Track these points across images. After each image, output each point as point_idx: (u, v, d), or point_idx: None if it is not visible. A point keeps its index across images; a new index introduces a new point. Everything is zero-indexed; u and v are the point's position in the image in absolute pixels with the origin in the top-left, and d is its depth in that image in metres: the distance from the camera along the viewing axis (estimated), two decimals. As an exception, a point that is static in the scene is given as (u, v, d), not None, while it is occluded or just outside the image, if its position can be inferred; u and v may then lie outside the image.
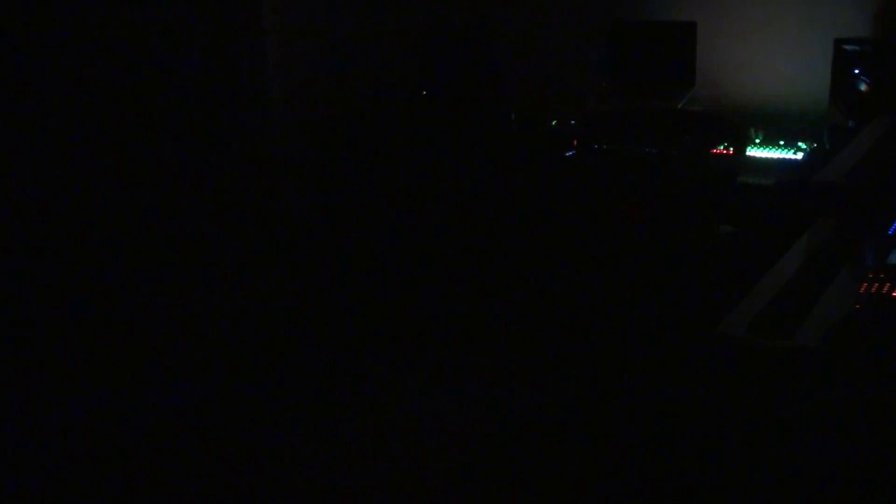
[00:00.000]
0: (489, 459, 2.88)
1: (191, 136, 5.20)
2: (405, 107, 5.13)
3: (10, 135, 4.53)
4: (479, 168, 4.59)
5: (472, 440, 2.99)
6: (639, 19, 4.71)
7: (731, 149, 3.95)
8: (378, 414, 3.15)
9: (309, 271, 4.27)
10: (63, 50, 4.80)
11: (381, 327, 3.76)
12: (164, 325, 3.73)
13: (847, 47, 4.00)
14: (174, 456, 2.90)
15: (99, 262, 4.18)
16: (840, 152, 3.20)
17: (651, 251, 3.79)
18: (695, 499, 2.45)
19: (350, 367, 3.47)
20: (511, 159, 4.63)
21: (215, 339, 3.63)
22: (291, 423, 3.07)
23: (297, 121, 5.47)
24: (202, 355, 3.50)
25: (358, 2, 5.39)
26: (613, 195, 4.07)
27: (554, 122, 4.69)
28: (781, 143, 4.18)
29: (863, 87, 3.96)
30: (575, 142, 4.30)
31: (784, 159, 4.12)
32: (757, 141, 4.22)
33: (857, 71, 3.97)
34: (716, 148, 3.97)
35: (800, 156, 4.11)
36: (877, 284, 2.33)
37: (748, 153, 4.15)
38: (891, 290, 2.31)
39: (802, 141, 4.17)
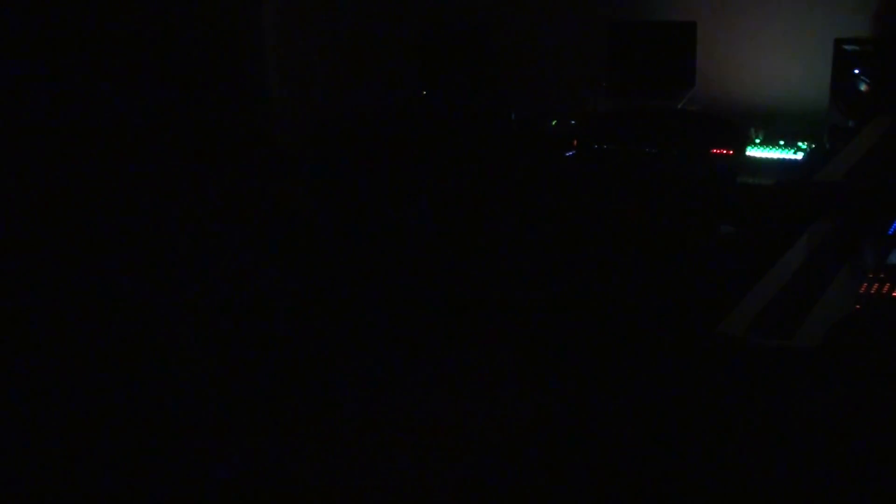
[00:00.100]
0: (489, 460, 2.88)
1: (190, 136, 5.20)
2: (405, 107, 5.13)
3: (9, 134, 4.53)
4: (479, 168, 4.59)
5: (472, 440, 2.98)
6: (638, 19, 4.71)
7: (731, 149, 3.95)
8: (377, 414, 3.15)
9: (309, 271, 4.27)
10: (63, 49, 4.80)
11: (381, 327, 3.76)
12: (163, 324, 3.72)
13: (847, 47, 4.00)
14: (174, 456, 2.90)
15: (98, 262, 4.18)
16: (840, 152, 3.21)
17: (651, 251, 3.79)
18: (695, 499, 2.44)
19: (349, 367, 3.47)
20: (511, 159, 4.63)
21: (215, 339, 3.63)
22: (291, 424, 3.07)
23: (297, 121, 5.47)
24: (201, 355, 3.50)
25: (358, 2, 5.39)
26: (613, 195, 4.06)
27: (554, 122, 4.69)
28: (781, 143, 4.18)
29: (863, 87, 3.96)
30: (575, 142, 4.30)
31: (784, 159, 4.12)
32: (757, 141, 4.22)
33: (857, 71, 3.97)
34: (716, 148, 3.97)
35: (800, 156, 4.11)
36: (877, 284, 2.33)
37: (748, 153, 4.15)
38: (891, 290, 2.31)
39: (802, 141, 4.16)
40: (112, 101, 4.93)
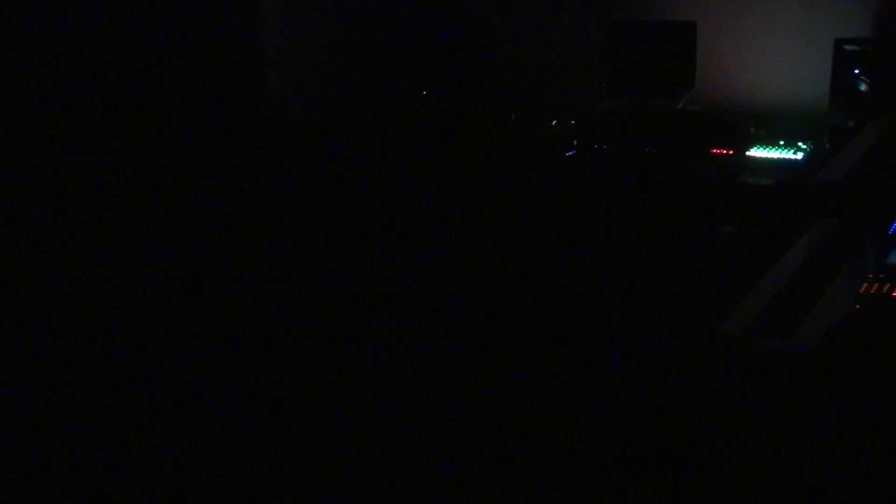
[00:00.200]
0: (488, 459, 2.88)
1: (190, 136, 5.20)
2: (405, 107, 5.13)
3: (8, 135, 4.53)
4: (479, 168, 4.58)
5: (471, 440, 2.98)
6: (639, 19, 4.71)
7: (731, 149, 3.95)
8: (377, 414, 3.15)
9: (308, 271, 4.27)
10: (63, 48, 4.80)
11: (381, 327, 3.76)
12: (162, 324, 3.72)
13: (847, 47, 4.00)
14: (173, 456, 2.90)
15: (98, 262, 4.17)
16: (840, 152, 3.20)
17: (651, 251, 3.79)
18: (695, 499, 2.44)
19: (349, 366, 3.47)
20: (511, 159, 4.63)
21: (214, 339, 3.63)
22: (290, 424, 3.07)
23: (297, 121, 5.47)
24: (200, 354, 3.50)
25: (358, 2, 5.39)
26: (613, 195, 4.06)
27: (554, 122, 4.68)
28: (781, 143, 4.18)
29: (863, 87, 3.97)
30: (575, 142, 4.30)
31: (784, 159, 4.12)
32: (757, 141, 4.22)
33: (857, 71, 3.97)
34: (716, 148, 3.97)
35: (800, 156, 4.11)
36: (877, 284, 2.33)
37: (748, 153, 4.15)
38: (891, 290, 2.31)
39: (802, 141, 4.16)
40: (110, 101, 4.92)
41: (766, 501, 2.11)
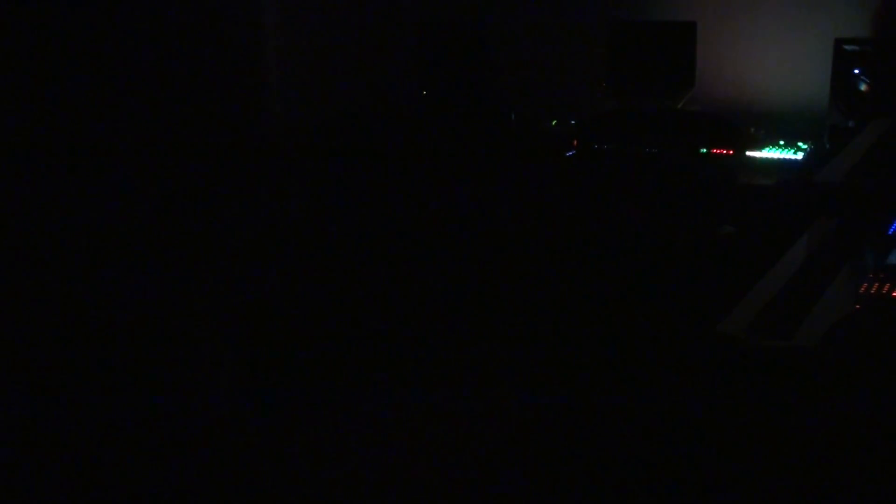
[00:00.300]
0: (488, 459, 2.88)
1: (190, 136, 5.20)
2: (405, 107, 5.13)
3: (8, 135, 4.53)
4: (479, 168, 4.58)
5: (471, 440, 2.98)
6: (638, 19, 4.70)
7: (731, 149, 3.95)
8: (377, 413, 3.15)
9: (308, 271, 4.27)
10: (63, 48, 4.80)
11: (380, 326, 3.76)
12: (161, 324, 3.72)
13: (847, 47, 4.00)
14: (172, 455, 2.90)
15: (97, 262, 4.18)
16: (840, 152, 3.21)
17: (651, 251, 3.79)
18: (695, 499, 2.44)
19: (348, 367, 3.47)
20: (511, 159, 4.63)
21: (215, 339, 3.63)
22: (290, 424, 3.07)
23: (297, 121, 5.47)
24: (199, 354, 3.50)
25: (358, 2, 5.38)
26: (613, 195, 4.06)
27: (554, 122, 4.68)
28: (781, 143, 4.18)
29: (863, 87, 3.97)
30: (575, 142, 4.30)
31: (784, 159, 4.12)
32: (757, 141, 4.22)
33: (857, 71, 3.97)
34: (716, 148, 3.97)
35: (800, 156, 4.11)
36: (877, 284, 2.33)
37: (748, 153, 4.15)
38: (891, 290, 2.31)
39: (802, 141, 4.16)
40: (110, 100, 4.92)
41: (767, 501, 2.11)
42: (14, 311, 3.79)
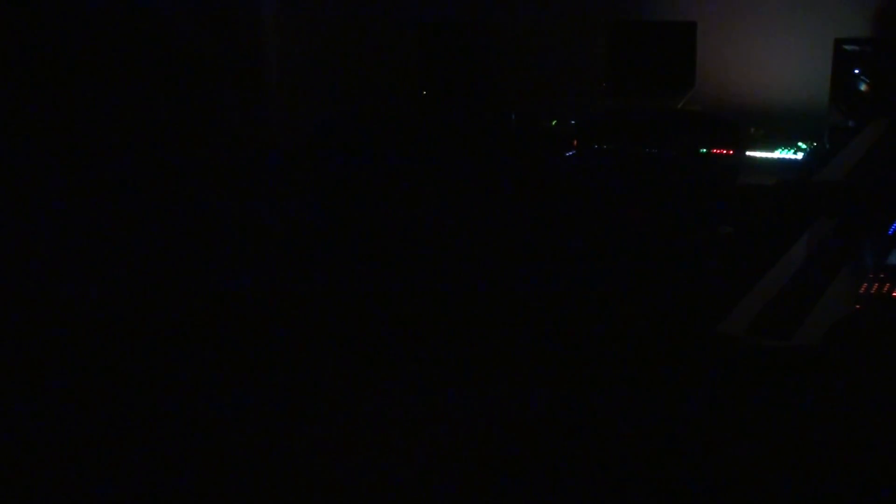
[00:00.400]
0: (487, 460, 2.88)
1: (190, 136, 5.20)
2: (405, 107, 5.13)
3: (9, 136, 4.53)
4: (479, 168, 4.58)
5: (471, 441, 2.98)
6: (639, 19, 4.70)
7: (731, 149, 3.95)
8: (376, 413, 3.15)
9: (308, 271, 4.27)
10: (63, 47, 4.80)
11: (380, 326, 3.76)
12: (160, 323, 3.72)
13: (847, 47, 4.00)
14: (170, 456, 2.90)
15: (97, 261, 4.18)
16: (840, 152, 3.21)
17: (651, 251, 3.79)
18: (695, 498, 2.44)
19: (348, 366, 3.47)
20: (511, 159, 4.63)
21: (213, 338, 3.63)
22: (289, 424, 3.07)
23: (297, 121, 5.47)
24: (198, 354, 3.50)
25: (357, 2, 5.38)
26: (613, 195, 4.06)
27: (554, 122, 4.68)
28: (781, 143, 4.18)
29: (863, 87, 3.97)
30: (575, 142, 4.30)
31: (784, 159, 4.12)
32: (757, 141, 4.22)
33: (857, 71, 3.97)
34: (716, 148, 3.97)
35: (800, 156, 4.11)
36: (877, 284, 2.33)
37: (748, 153, 4.15)
38: (891, 290, 2.31)
39: (802, 141, 4.16)
40: (110, 100, 4.93)
41: (767, 501, 2.11)
42: (13, 310, 3.79)
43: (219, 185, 5.00)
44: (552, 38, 4.95)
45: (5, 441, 2.96)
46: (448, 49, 5.00)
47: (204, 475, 2.81)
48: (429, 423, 3.08)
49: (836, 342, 2.05)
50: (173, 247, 4.37)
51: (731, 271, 3.39)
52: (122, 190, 4.70)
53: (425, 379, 3.35)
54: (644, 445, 2.76)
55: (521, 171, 4.54)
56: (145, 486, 2.75)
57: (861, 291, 2.32)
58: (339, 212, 4.70)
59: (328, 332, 3.70)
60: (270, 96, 5.57)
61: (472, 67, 4.94)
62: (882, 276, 2.37)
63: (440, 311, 3.83)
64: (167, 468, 2.82)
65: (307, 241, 4.51)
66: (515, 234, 4.31)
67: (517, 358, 3.46)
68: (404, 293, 3.98)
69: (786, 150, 4.14)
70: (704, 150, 4.00)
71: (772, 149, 4.16)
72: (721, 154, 3.95)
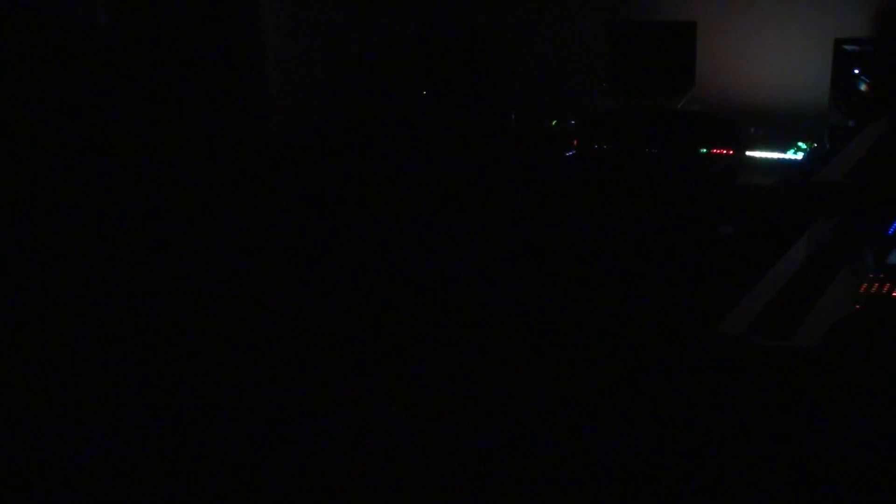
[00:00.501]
0: (487, 460, 2.88)
1: (190, 135, 5.20)
2: (405, 107, 5.13)
3: (9, 137, 4.53)
4: (479, 168, 4.58)
5: (471, 441, 2.98)
6: (639, 19, 4.71)
7: (731, 149, 3.94)
8: (375, 414, 3.15)
9: (308, 270, 4.27)
10: (63, 48, 4.80)
11: (380, 326, 3.76)
12: (160, 322, 3.73)
13: (847, 47, 4.00)
14: (170, 455, 2.90)
15: (96, 260, 4.18)
16: (840, 152, 3.21)
17: (651, 251, 3.79)
18: (695, 498, 2.45)
19: (348, 366, 3.47)
20: (511, 159, 4.63)
21: (213, 338, 3.63)
22: (289, 423, 3.07)
23: (297, 122, 5.47)
24: (198, 353, 3.50)
25: (358, 2, 5.39)
26: (613, 195, 4.06)
27: (554, 122, 4.68)
28: (781, 143, 4.18)
29: (863, 87, 3.97)
30: (575, 142, 4.29)
31: (784, 159, 4.12)
32: (757, 141, 4.22)
33: (857, 71, 3.97)
34: (716, 148, 3.96)
35: (800, 156, 4.11)
36: (877, 284, 2.33)
37: (748, 153, 4.15)
38: (891, 290, 2.31)
39: (802, 141, 4.16)
40: (111, 102, 4.93)
41: (767, 501, 2.11)
42: (13, 310, 3.80)
43: (218, 185, 5.00)
44: (552, 38, 4.95)
45: (5, 441, 2.96)
46: (448, 49, 5.00)
47: (204, 475, 2.81)
48: (429, 422, 3.08)
49: (836, 342, 2.05)
50: (173, 246, 4.37)
51: (731, 271, 3.39)
52: (121, 190, 4.70)
53: (425, 379, 3.35)
54: (644, 445, 2.76)
55: (521, 171, 4.54)
56: (145, 487, 2.75)
57: (861, 291, 2.32)
58: (339, 211, 4.70)
59: (328, 332, 3.70)
60: (270, 96, 5.57)
61: (472, 67, 4.94)
62: (882, 276, 2.37)
63: (440, 311, 3.83)
64: (167, 468, 2.82)
65: (307, 241, 4.51)
66: (515, 233, 4.32)
67: (517, 357, 3.47)
68: (404, 293, 3.98)
69: (786, 150, 4.14)
70: (704, 150, 4.00)
71: (772, 149, 4.16)
72: (721, 154, 3.94)
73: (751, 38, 4.50)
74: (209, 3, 5.29)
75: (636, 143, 4.08)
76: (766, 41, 4.47)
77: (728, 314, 2.25)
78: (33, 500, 2.72)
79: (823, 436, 2.00)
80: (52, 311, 3.80)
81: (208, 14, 5.27)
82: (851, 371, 2.01)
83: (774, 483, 2.09)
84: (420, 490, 2.76)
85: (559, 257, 4.06)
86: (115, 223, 4.52)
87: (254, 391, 3.28)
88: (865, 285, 2.34)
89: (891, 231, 2.67)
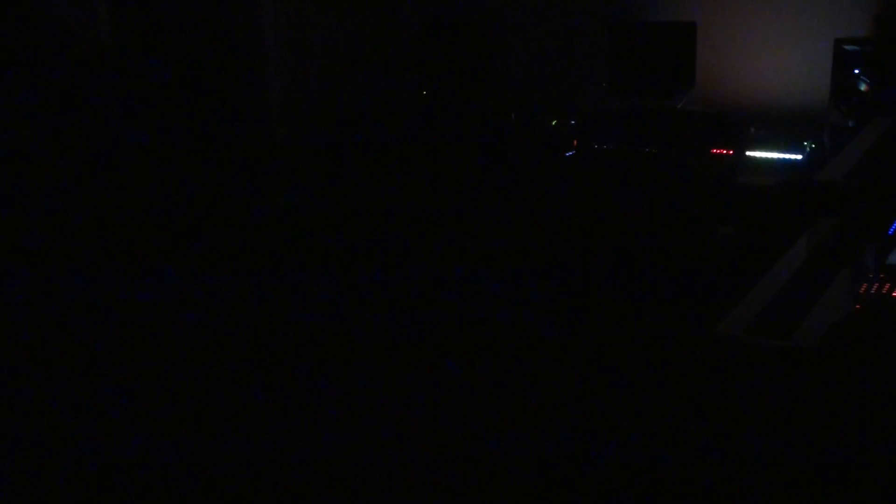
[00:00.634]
0: (487, 460, 2.88)
1: (190, 135, 5.20)
2: (405, 107, 5.13)
3: (10, 137, 4.53)
4: (479, 168, 4.59)
5: (471, 440, 2.98)
6: (639, 19, 4.71)
7: (731, 149, 3.95)
8: (374, 413, 3.15)
9: (307, 269, 4.27)
10: (63, 48, 4.80)
11: (380, 326, 3.76)
12: (160, 321, 3.73)
13: (847, 47, 4.00)
14: (168, 455, 2.90)
15: (96, 259, 4.18)
16: (840, 152, 3.21)
17: (651, 251, 3.79)
18: (695, 498, 2.45)
19: (347, 366, 3.47)
20: (511, 159, 4.63)
21: (213, 337, 3.63)
22: (288, 423, 3.07)
23: (297, 121, 5.47)
24: (198, 353, 3.50)
25: (358, 3, 5.39)
26: (613, 195, 4.07)
27: (554, 122, 4.69)
28: (781, 143, 4.18)
29: (863, 87, 3.97)
30: (575, 142, 4.30)
31: (784, 159, 4.12)
32: (757, 141, 4.22)
33: (857, 71, 3.97)
34: (716, 148, 3.97)
35: (800, 156, 4.11)
36: (877, 284, 2.34)
37: (748, 153, 4.15)
38: (891, 290, 2.31)
39: (802, 141, 4.16)
40: (112, 104, 4.93)
41: (767, 500, 2.11)
42: (12, 309, 3.79)
43: (219, 185, 5.00)
44: (552, 38, 4.95)
45: (5, 441, 2.96)
46: (448, 49, 5.00)
47: (204, 474, 2.81)
48: (429, 423, 3.08)
49: (836, 342, 2.05)
50: (173, 244, 4.37)
51: (731, 271, 3.39)
52: (121, 189, 4.70)
53: (425, 378, 3.35)
54: (644, 444, 2.76)
55: (521, 171, 4.54)
56: (145, 486, 2.75)
57: (861, 291, 2.32)
58: (340, 211, 4.70)
59: (328, 332, 3.70)
60: (271, 97, 5.58)
61: (472, 67, 4.94)
62: (882, 276, 2.38)
63: (440, 311, 3.83)
64: (166, 467, 2.83)
65: (307, 241, 4.51)
66: (516, 233, 4.31)
67: (517, 357, 3.46)
68: (404, 292, 3.98)
69: (786, 150, 4.14)
70: (704, 150, 4.00)
71: (772, 149, 4.16)
72: (721, 154, 3.95)
73: (751, 38, 4.50)
74: (209, 3, 5.30)
75: (636, 143, 4.08)
76: (766, 41, 4.47)
77: (728, 314, 2.25)
78: (33, 499, 2.72)
79: (823, 435, 2.00)
80: (51, 311, 3.80)
81: (208, 14, 5.27)
82: (851, 371, 2.01)
83: (774, 482, 2.09)
84: (419, 490, 2.76)
85: (559, 257, 4.06)
86: (115, 223, 4.52)
87: (254, 391, 3.28)
88: (865, 285, 2.34)
89: (891, 231, 2.67)
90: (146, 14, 5.09)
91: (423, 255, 4.26)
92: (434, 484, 2.78)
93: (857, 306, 2.27)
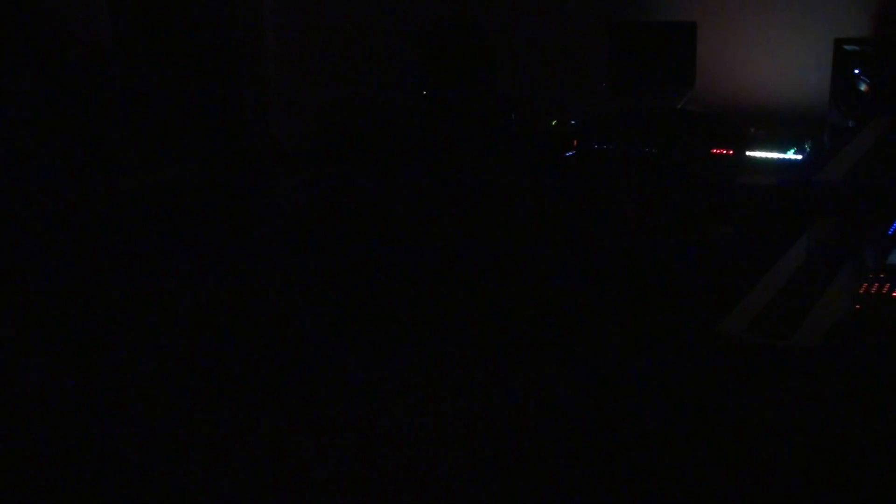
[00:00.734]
0: (487, 460, 2.88)
1: (191, 134, 5.20)
2: (406, 107, 5.13)
3: (10, 137, 4.53)
4: (479, 168, 4.58)
5: (471, 440, 2.98)
6: (639, 19, 4.71)
7: (731, 149, 3.95)
8: (374, 413, 3.15)
9: (307, 268, 4.27)
10: (63, 48, 4.80)
11: (380, 325, 3.76)
12: (160, 321, 3.73)
13: (847, 47, 4.00)
14: (168, 455, 2.90)
15: (96, 259, 4.18)
16: (840, 152, 3.21)
17: (651, 251, 3.79)
18: (695, 498, 2.45)
19: (347, 365, 3.47)
20: (511, 159, 4.63)
21: (212, 337, 3.63)
22: (288, 423, 3.07)
23: (297, 121, 5.47)
24: (198, 352, 3.50)
25: (358, 2, 5.39)
26: (613, 195, 4.07)
27: (554, 122, 4.69)
28: (781, 143, 4.18)
29: (863, 87, 3.97)
30: (575, 142, 4.30)
31: (784, 159, 4.12)
32: (757, 141, 4.22)
33: (857, 71, 3.97)
34: (716, 148, 3.97)
35: (800, 156, 4.11)
36: (877, 284, 2.34)
37: (748, 153, 4.15)
38: (891, 290, 2.31)
39: (802, 141, 4.16)
40: (112, 103, 4.93)
41: (767, 500, 2.11)
42: (12, 309, 3.79)
43: (218, 185, 5.00)
44: (552, 38, 4.95)
45: (5, 441, 2.96)
46: (448, 49, 5.00)
47: (204, 474, 2.81)
48: (428, 422, 3.08)
49: (836, 342, 2.05)
50: (173, 243, 4.37)
51: (731, 271, 3.39)
52: (121, 190, 4.70)
53: (425, 378, 3.35)
54: (644, 445, 2.76)
55: (521, 171, 4.54)
56: (146, 486, 2.75)
57: (861, 291, 2.32)
58: (339, 211, 4.70)
59: (328, 332, 3.70)
60: (271, 96, 5.58)
61: (472, 67, 4.94)
62: (882, 276, 2.38)
63: (440, 310, 3.83)
64: (167, 468, 2.83)
65: (307, 240, 4.51)
66: (515, 233, 4.31)
67: (517, 357, 3.46)
68: (405, 292, 3.98)
69: (786, 150, 4.14)
70: (705, 150, 4.00)
71: (772, 149, 4.16)
72: (721, 154, 3.94)
73: (751, 38, 4.51)
74: (209, 2, 5.30)
75: (636, 143, 4.08)
76: (766, 41, 4.48)
77: (728, 314, 2.25)
78: (33, 500, 2.73)
79: (823, 435, 2.00)
80: (51, 311, 3.80)
81: (209, 14, 5.27)
82: (851, 371, 2.01)
83: (775, 482, 2.09)
84: (420, 490, 2.76)
85: (559, 257, 4.06)
86: (115, 223, 4.52)
87: (253, 391, 3.28)
88: (865, 285, 2.34)
89: (891, 231, 2.67)
90: (146, 14, 5.09)
91: (423, 255, 4.26)
92: (434, 484, 2.78)
93: (857, 306, 2.26)
